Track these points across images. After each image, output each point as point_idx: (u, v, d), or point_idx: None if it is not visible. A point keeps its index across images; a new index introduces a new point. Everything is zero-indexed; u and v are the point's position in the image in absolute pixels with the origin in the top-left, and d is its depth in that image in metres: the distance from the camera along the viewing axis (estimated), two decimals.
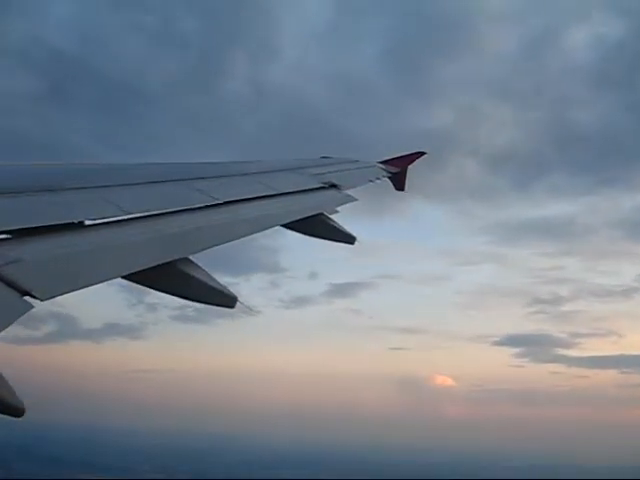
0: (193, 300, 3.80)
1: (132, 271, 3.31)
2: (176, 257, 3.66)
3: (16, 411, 2.52)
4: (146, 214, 3.92)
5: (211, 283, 3.78)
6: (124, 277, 3.28)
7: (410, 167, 9.66)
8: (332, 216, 5.81)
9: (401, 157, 9.64)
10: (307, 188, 6.07)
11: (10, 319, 2.48)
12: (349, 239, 5.93)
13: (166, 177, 4.84)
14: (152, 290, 3.62)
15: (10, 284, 2.60)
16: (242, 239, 4.41)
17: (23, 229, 3.06)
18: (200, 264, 3.83)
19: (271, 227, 4.96)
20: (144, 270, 3.37)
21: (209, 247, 4.02)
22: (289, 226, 5.21)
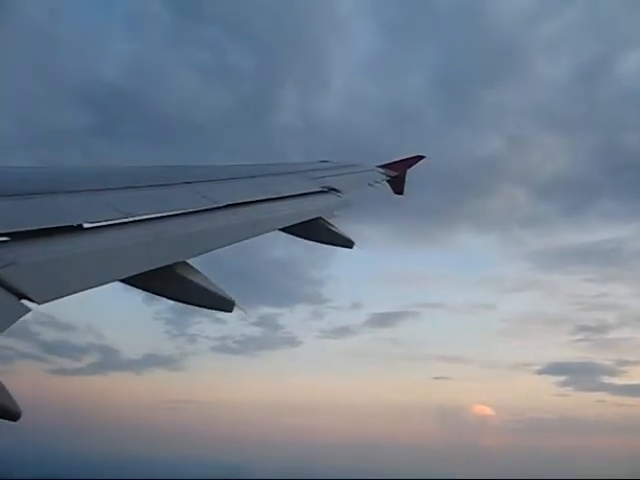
0: (191, 304, 3.79)
1: (130, 274, 3.30)
2: (175, 261, 3.65)
3: (12, 415, 2.51)
4: (145, 217, 3.91)
5: (209, 287, 3.78)
6: (122, 281, 3.27)
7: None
8: (331, 220, 5.81)
9: (400, 161, 9.65)
10: (306, 192, 6.07)
11: (7, 322, 2.46)
12: (347, 243, 5.93)
13: (166, 180, 4.82)
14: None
15: (7, 287, 2.59)
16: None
17: (21, 232, 3.05)
18: (199, 268, 3.83)
19: (270, 231, 4.96)
20: (142, 274, 3.36)
21: (208, 251, 4.01)
22: (288, 230, 5.21)
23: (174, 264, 3.64)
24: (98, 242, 3.41)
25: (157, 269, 3.45)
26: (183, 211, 4.27)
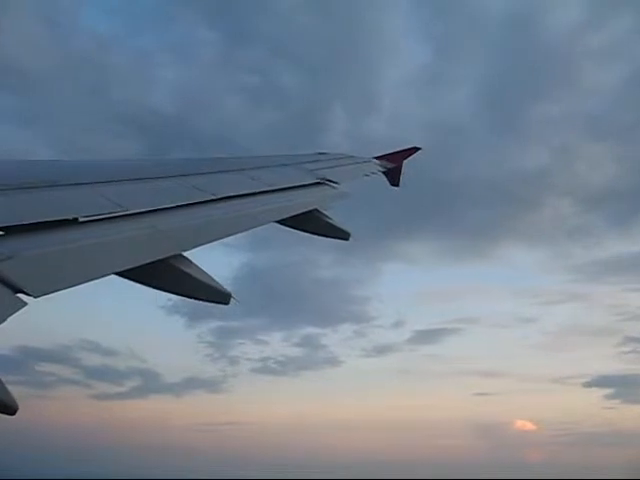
0: (187, 297, 3.80)
1: (126, 268, 3.31)
2: (171, 254, 3.66)
3: (8, 409, 2.52)
4: (141, 210, 3.92)
5: (205, 280, 3.78)
6: (118, 274, 3.28)
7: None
8: (327, 212, 5.81)
9: (396, 153, 9.64)
10: (302, 184, 6.06)
11: (3, 316, 2.47)
12: (343, 235, 5.93)
13: (161, 173, 4.82)
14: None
15: (3, 281, 2.60)
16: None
17: (16, 226, 3.05)
18: (195, 261, 3.83)
19: (266, 223, 4.96)
20: (139, 267, 3.36)
21: (204, 243, 4.01)
22: (284, 222, 5.21)
23: (170, 257, 3.65)
24: (93, 236, 3.41)
25: (153, 262, 3.46)
26: (179, 204, 4.27)
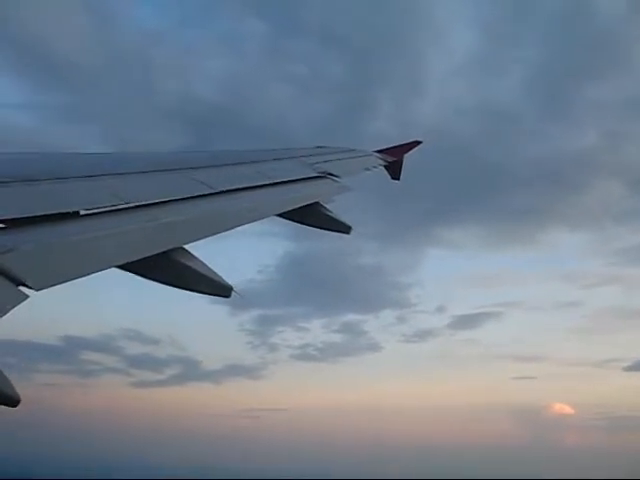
0: (189, 290, 3.80)
1: (127, 261, 3.31)
2: (172, 247, 3.66)
3: (11, 401, 2.53)
4: (141, 203, 3.91)
5: (206, 273, 3.79)
6: (119, 267, 3.28)
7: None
8: (328, 205, 5.81)
9: (397, 146, 9.62)
10: (303, 177, 6.06)
11: (5, 309, 2.48)
12: (345, 229, 5.93)
13: (162, 166, 4.82)
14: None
15: (4, 274, 2.60)
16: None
17: (17, 219, 3.06)
18: (197, 254, 3.83)
19: (267, 217, 4.96)
20: (140, 260, 3.37)
21: (205, 237, 4.01)
22: (285, 215, 5.21)
23: (171, 250, 3.65)
24: (95, 229, 3.41)
25: (154, 255, 3.46)
26: (180, 197, 4.27)
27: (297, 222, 5.46)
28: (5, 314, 2.49)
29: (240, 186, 4.98)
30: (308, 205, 5.52)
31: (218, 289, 3.85)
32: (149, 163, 4.83)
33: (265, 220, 4.92)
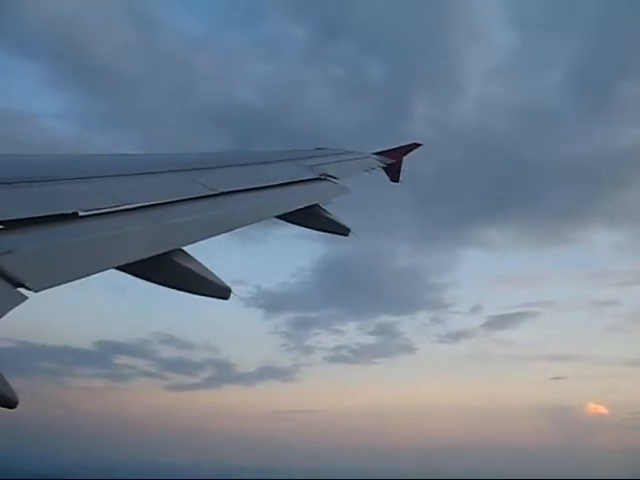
0: (188, 292, 3.80)
1: (126, 262, 3.30)
2: (171, 248, 3.65)
3: (10, 403, 2.52)
4: (140, 205, 3.91)
5: (205, 275, 3.78)
6: (118, 268, 3.28)
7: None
8: (327, 207, 5.80)
9: (396, 149, 9.63)
10: (302, 179, 6.05)
11: (3, 310, 2.47)
12: (343, 231, 5.93)
13: (161, 168, 4.81)
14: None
15: (3, 275, 2.59)
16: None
17: (16, 220, 3.05)
18: (195, 256, 3.83)
19: (266, 218, 4.96)
20: (139, 261, 3.36)
21: (204, 238, 4.01)
22: (284, 217, 5.20)
23: (170, 252, 3.64)
24: (93, 230, 3.41)
25: (153, 257, 3.46)
26: (179, 198, 4.27)
27: (296, 224, 5.46)
28: (3, 315, 2.48)
29: (240, 188, 4.97)
30: (307, 207, 5.51)
31: (217, 291, 3.84)
32: (148, 165, 4.83)
33: (267, 222, 4.92)
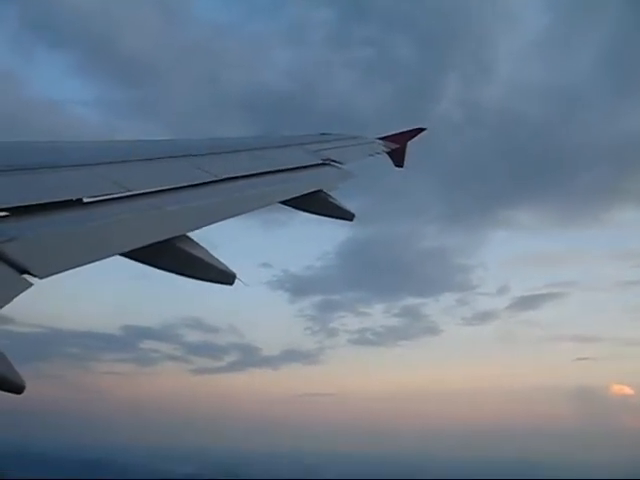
0: (192, 277, 3.80)
1: (131, 248, 3.30)
2: (175, 234, 3.65)
3: (16, 388, 2.54)
4: (145, 191, 3.91)
5: (210, 260, 3.78)
6: (123, 255, 3.28)
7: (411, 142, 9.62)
8: (331, 192, 5.79)
9: (401, 133, 9.59)
10: (306, 164, 6.04)
11: (9, 297, 2.48)
12: (348, 216, 5.92)
13: (165, 154, 4.81)
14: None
15: (8, 262, 2.60)
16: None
17: (21, 207, 3.05)
18: (199, 242, 3.83)
19: (271, 204, 4.95)
20: (143, 247, 3.36)
21: (208, 224, 4.01)
22: (288, 203, 5.19)
23: (175, 238, 3.64)
24: (98, 216, 3.41)
25: (158, 243, 3.46)
26: (183, 184, 4.26)
27: (301, 210, 5.45)
28: (9, 302, 2.49)
29: (243, 173, 4.97)
30: (311, 192, 5.50)
31: (222, 276, 3.84)
32: (151, 151, 4.82)
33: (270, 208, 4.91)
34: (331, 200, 5.74)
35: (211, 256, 3.83)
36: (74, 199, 3.40)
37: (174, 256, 3.64)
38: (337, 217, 5.85)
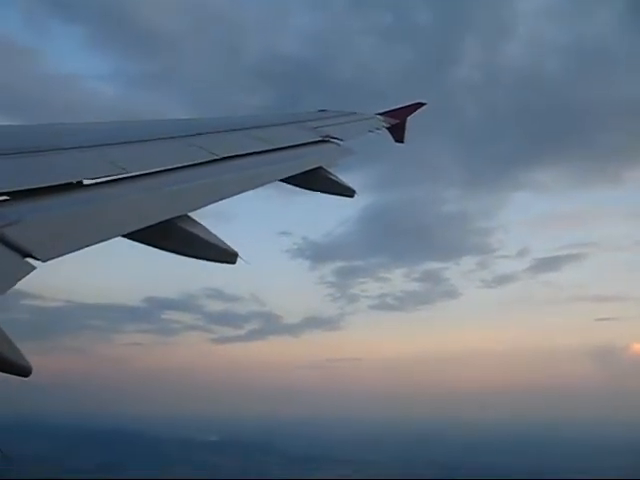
0: (194, 257, 3.81)
1: (132, 230, 3.31)
2: (176, 215, 3.66)
3: (23, 371, 2.56)
4: (145, 172, 3.91)
5: (211, 240, 3.79)
6: (125, 236, 3.29)
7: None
8: (331, 169, 5.78)
9: (400, 109, 9.54)
10: (306, 142, 6.02)
11: (12, 281, 2.49)
12: (349, 192, 5.91)
13: (164, 134, 4.80)
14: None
15: (11, 246, 2.61)
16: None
17: (21, 190, 3.06)
18: (200, 221, 3.83)
19: (270, 182, 4.94)
20: (145, 228, 3.37)
21: (209, 204, 4.01)
22: (288, 180, 5.19)
23: (176, 218, 3.65)
24: (99, 198, 3.41)
25: (159, 223, 3.46)
26: (182, 164, 4.26)
27: (301, 187, 5.44)
28: (13, 286, 2.50)
29: (242, 152, 4.95)
30: (312, 170, 5.49)
31: (223, 255, 3.85)
32: (149, 132, 4.81)
33: (270, 185, 4.91)
34: (331, 177, 5.74)
35: (213, 235, 3.84)
36: (74, 182, 3.40)
37: (175, 236, 3.65)
38: (338, 194, 5.85)
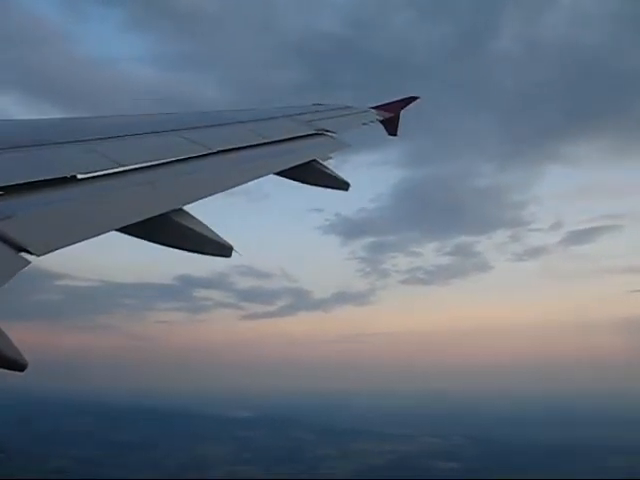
0: (190, 251, 3.81)
1: (127, 224, 3.31)
2: (171, 208, 3.65)
3: (19, 366, 2.55)
4: (139, 166, 3.90)
5: (206, 233, 3.78)
6: (119, 230, 3.28)
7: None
8: (325, 162, 5.78)
9: (394, 102, 9.55)
10: (300, 135, 6.02)
11: (7, 276, 2.48)
12: (343, 185, 5.91)
13: (158, 128, 4.78)
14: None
15: (5, 240, 2.60)
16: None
17: (15, 185, 3.04)
18: (196, 214, 3.82)
19: (265, 175, 4.94)
20: (139, 222, 3.36)
21: (203, 197, 4.00)
22: (283, 174, 5.18)
23: (171, 212, 3.64)
24: (93, 192, 3.41)
25: (154, 217, 3.46)
26: (176, 158, 4.25)
27: (295, 180, 5.44)
28: (8, 281, 2.50)
29: (236, 146, 4.95)
30: (306, 163, 5.49)
31: (218, 249, 3.85)
32: (142, 126, 4.79)
33: (266, 178, 4.90)
34: (325, 170, 5.74)
35: (208, 229, 3.83)
36: (68, 176, 3.39)
37: (170, 230, 3.64)
38: (332, 187, 5.85)
